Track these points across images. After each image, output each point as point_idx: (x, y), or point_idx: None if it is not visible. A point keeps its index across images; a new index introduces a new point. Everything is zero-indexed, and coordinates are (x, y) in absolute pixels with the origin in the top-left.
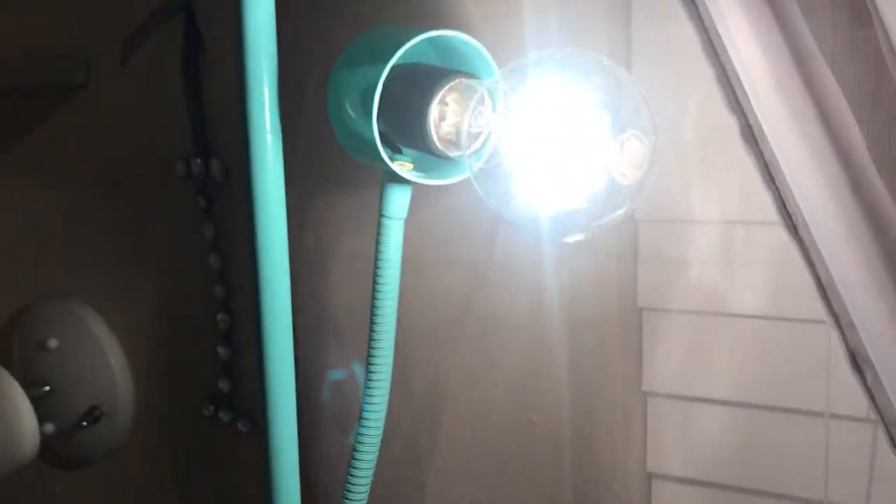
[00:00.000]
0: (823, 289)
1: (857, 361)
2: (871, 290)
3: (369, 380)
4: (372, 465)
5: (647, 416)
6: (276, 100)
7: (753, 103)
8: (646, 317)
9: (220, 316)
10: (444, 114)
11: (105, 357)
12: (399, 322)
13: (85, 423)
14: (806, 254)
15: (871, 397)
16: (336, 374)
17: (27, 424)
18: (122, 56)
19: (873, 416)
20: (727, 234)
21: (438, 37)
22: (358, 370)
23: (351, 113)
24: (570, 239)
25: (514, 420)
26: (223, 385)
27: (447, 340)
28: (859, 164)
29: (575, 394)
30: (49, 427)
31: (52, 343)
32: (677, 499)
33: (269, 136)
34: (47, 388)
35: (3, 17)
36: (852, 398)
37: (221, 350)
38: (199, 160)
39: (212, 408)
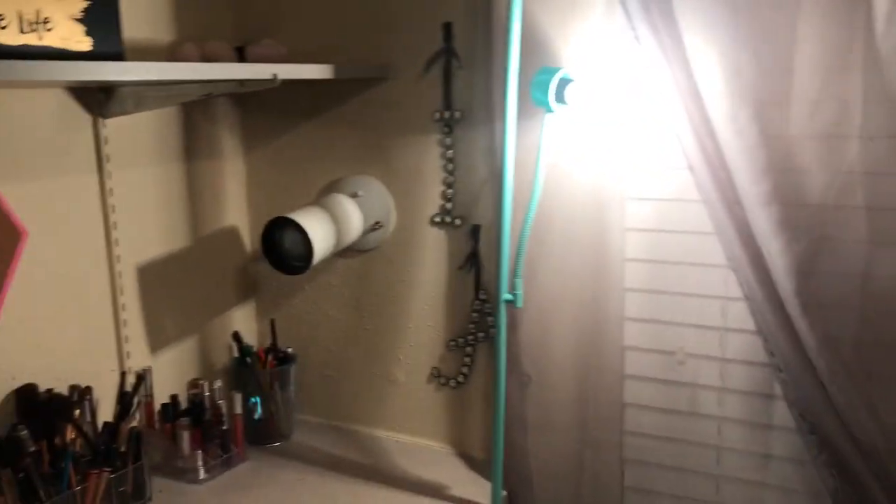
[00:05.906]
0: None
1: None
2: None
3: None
4: None
5: None
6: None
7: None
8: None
9: (448, 179)
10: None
11: (384, 199)
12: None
13: (374, 226)
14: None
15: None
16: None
17: (357, 222)
18: (424, 69)
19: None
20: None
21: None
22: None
23: (539, 91)
24: None
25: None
26: (448, 205)
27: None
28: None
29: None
30: None
31: (361, 192)
32: None
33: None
34: None
35: (342, 42)
36: None
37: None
38: (447, 111)
39: (441, 216)
